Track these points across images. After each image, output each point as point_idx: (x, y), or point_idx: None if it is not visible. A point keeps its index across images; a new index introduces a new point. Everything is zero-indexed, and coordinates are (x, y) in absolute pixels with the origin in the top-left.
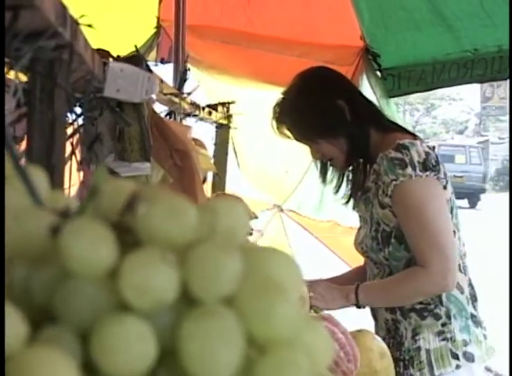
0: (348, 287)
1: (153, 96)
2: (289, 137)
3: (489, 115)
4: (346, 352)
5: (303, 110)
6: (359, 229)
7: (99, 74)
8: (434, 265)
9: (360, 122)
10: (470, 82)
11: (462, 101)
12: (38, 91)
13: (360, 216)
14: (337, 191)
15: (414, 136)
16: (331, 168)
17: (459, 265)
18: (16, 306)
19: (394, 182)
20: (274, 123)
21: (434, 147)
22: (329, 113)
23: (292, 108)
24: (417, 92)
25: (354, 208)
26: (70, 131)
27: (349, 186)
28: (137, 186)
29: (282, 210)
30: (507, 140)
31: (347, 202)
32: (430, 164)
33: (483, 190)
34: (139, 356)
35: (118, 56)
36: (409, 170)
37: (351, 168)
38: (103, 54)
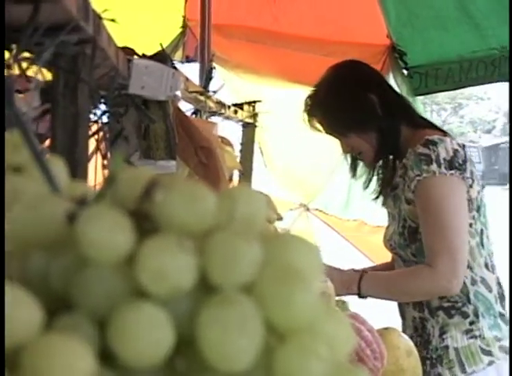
0: (352, 278)
1: (178, 94)
2: (319, 130)
3: None
4: (373, 350)
5: (334, 102)
6: (388, 226)
7: (124, 71)
8: (441, 266)
9: (391, 117)
10: (499, 81)
11: (489, 100)
12: (62, 86)
13: (389, 213)
14: (366, 186)
15: (444, 133)
16: (361, 163)
17: (487, 264)
18: (32, 294)
19: (417, 178)
20: (305, 116)
21: (464, 145)
22: (359, 107)
23: (323, 101)
24: (445, 90)
25: (383, 205)
26: (94, 128)
27: (379, 182)
28: (155, 173)
29: (308, 209)
30: None
31: (377, 198)
32: (457, 163)
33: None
34: (157, 344)
35: (143, 55)
36: (434, 166)
37: (380, 163)
38: (128, 52)
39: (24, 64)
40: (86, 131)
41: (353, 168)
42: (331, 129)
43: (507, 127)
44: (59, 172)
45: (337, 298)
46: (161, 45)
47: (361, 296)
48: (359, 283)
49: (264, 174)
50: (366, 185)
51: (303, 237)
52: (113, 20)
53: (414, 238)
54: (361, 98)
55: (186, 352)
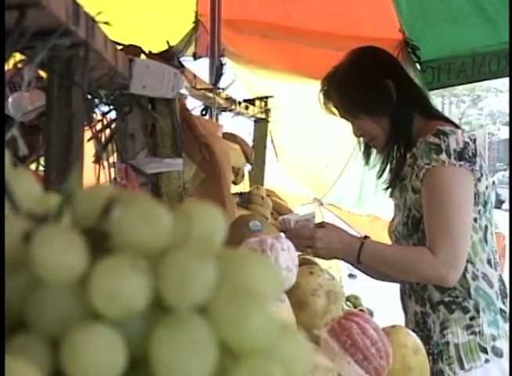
0: (352, 243)
1: (185, 92)
2: (334, 113)
3: None
4: (378, 349)
5: (350, 83)
6: (394, 217)
7: (124, 71)
8: (442, 255)
9: (405, 105)
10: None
11: (508, 92)
12: (56, 89)
13: (395, 204)
14: (380, 176)
15: (456, 126)
16: (374, 152)
17: (490, 261)
18: None
19: (426, 167)
20: (321, 97)
21: (475, 139)
22: (375, 90)
23: (340, 81)
24: (457, 84)
25: (390, 196)
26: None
27: (390, 173)
28: (115, 190)
29: (322, 204)
30: None
31: (387, 188)
32: (467, 155)
33: None
34: (109, 365)
35: (150, 52)
36: (444, 156)
37: (392, 154)
38: (135, 50)
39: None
40: (81, 133)
41: (366, 156)
42: (345, 111)
43: None
44: (29, 186)
45: (348, 293)
46: (168, 42)
47: (358, 263)
48: (359, 250)
49: (277, 169)
50: (380, 174)
51: (261, 256)
52: (106, 23)
53: (417, 228)
54: (377, 81)
55: (140, 372)
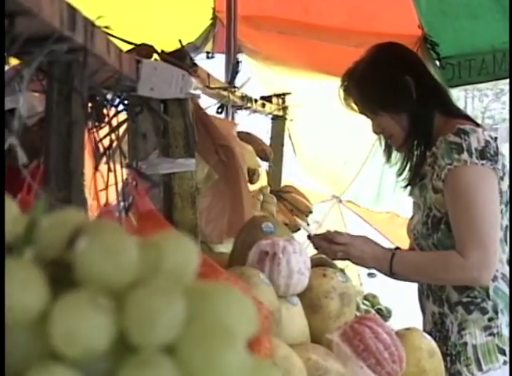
0: (384, 255)
1: (198, 92)
2: (353, 109)
3: None
4: (391, 353)
5: (370, 79)
6: (413, 216)
7: (131, 73)
8: (472, 258)
9: (425, 102)
10: None
11: None
12: (56, 94)
13: (414, 203)
14: (400, 174)
15: (477, 124)
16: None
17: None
18: None
19: (448, 167)
20: (341, 92)
21: (496, 138)
22: (394, 87)
23: (360, 77)
24: (479, 82)
25: (410, 194)
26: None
27: (409, 171)
28: (83, 217)
29: (340, 201)
30: None
31: (407, 186)
32: (488, 154)
33: None
34: None
35: (162, 51)
36: (465, 156)
37: (412, 151)
38: (147, 49)
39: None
40: (81, 140)
41: (387, 154)
42: (364, 106)
43: None
44: (8, 209)
45: (366, 292)
46: (180, 41)
47: (391, 274)
48: (391, 261)
49: (295, 166)
50: (400, 172)
51: (235, 290)
52: (107, 27)
53: (437, 228)
54: (397, 78)
55: None
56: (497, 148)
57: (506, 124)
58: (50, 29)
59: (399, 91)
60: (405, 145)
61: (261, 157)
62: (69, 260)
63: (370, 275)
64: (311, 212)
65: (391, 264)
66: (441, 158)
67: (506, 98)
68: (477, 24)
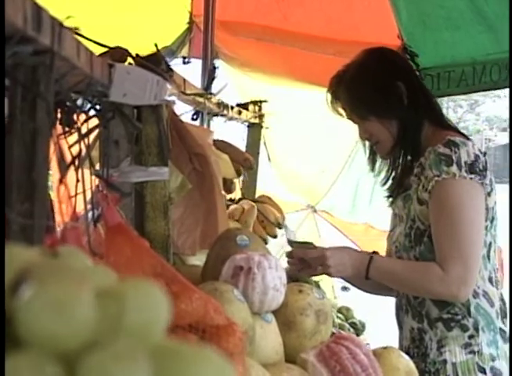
0: (362, 259)
1: (174, 98)
2: (339, 114)
3: None
4: (368, 375)
5: (361, 83)
6: (393, 228)
7: (104, 78)
8: (453, 271)
9: (415, 110)
10: None
11: (506, 98)
12: (19, 99)
13: (395, 214)
14: (384, 183)
15: (467, 137)
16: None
17: (491, 279)
18: None
19: (436, 178)
20: (329, 96)
21: (485, 153)
22: (385, 91)
23: (350, 80)
24: (458, 94)
25: (390, 205)
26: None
27: (393, 181)
28: (33, 257)
29: (315, 211)
30: None
31: (389, 197)
32: (477, 168)
33: None
34: None
35: (137, 55)
36: (454, 168)
37: (398, 161)
38: (121, 52)
39: None
40: (46, 148)
41: (371, 162)
42: (353, 111)
43: None
44: None
45: (340, 305)
46: (156, 45)
47: (367, 278)
48: (368, 266)
49: (270, 174)
50: (384, 181)
51: (211, 353)
52: (76, 29)
53: (420, 241)
54: (388, 83)
55: None
56: (486, 163)
57: (480, 136)
58: (12, 28)
59: (390, 96)
60: (392, 153)
61: (244, 167)
62: (10, 313)
63: (344, 289)
64: (279, 224)
65: (367, 268)
66: (429, 169)
67: (481, 109)
68: (458, 36)
